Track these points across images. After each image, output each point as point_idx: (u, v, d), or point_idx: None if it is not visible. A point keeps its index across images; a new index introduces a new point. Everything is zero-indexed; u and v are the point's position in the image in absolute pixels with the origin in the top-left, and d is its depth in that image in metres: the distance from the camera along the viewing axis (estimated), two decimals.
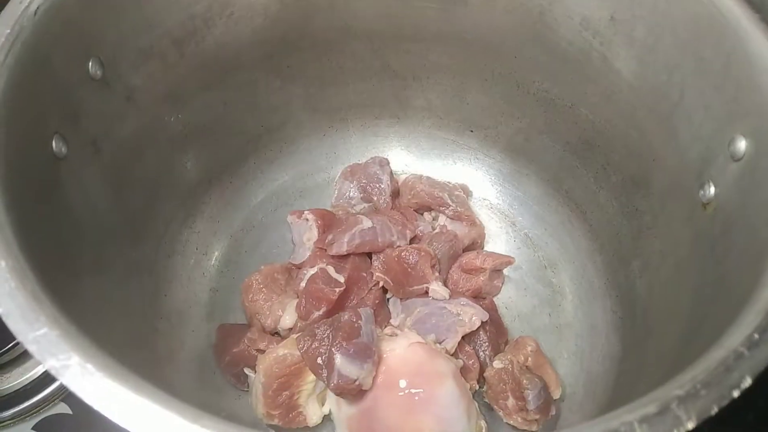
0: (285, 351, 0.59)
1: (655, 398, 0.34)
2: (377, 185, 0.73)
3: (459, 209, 0.71)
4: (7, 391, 0.66)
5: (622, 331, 0.64)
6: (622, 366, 0.61)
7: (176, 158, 0.66)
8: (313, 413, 0.61)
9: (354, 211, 0.72)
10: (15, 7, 0.47)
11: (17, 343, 0.65)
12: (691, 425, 0.33)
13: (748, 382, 0.35)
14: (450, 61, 0.69)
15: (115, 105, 0.56)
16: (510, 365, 0.61)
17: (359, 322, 0.57)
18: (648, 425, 0.33)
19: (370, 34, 0.67)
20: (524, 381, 0.60)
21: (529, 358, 0.62)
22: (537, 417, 0.60)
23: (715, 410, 0.34)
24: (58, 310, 0.37)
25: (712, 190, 0.49)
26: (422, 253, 0.66)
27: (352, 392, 0.56)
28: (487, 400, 0.63)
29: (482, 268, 0.67)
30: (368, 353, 0.56)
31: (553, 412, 0.61)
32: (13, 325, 0.35)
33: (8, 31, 0.46)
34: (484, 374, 0.62)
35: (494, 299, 0.69)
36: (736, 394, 0.34)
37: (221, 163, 0.72)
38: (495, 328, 0.65)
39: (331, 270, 0.65)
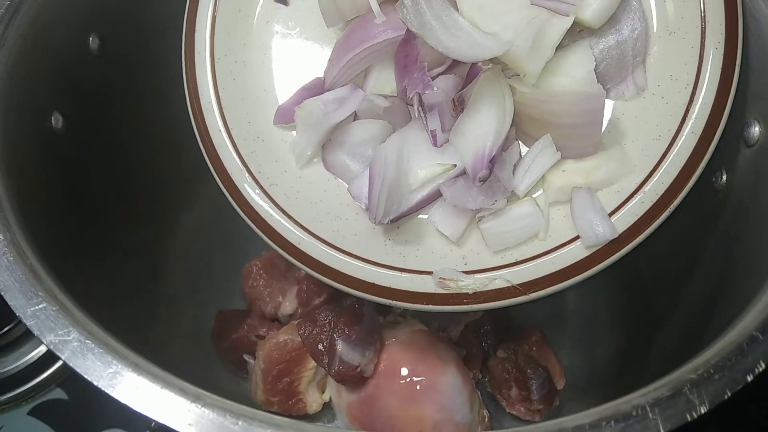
0: (285, 337, 0.58)
1: (668, 382, 0.33)
2: None
3: None
4: (2, 375, 0.65)
5: (627, 322, 0.63)
6: (627, 356, 0.61)
7: (177, 140, 0.65)
8: (313, 400, 0.60)
9: None
10: None
11: (12, 327, 0.64)
12: (704, 409, 0.32)
13: (762, 366, 0.34)
14: None
15: (116, 82, 0.55)
16: (513, 355, 0.60)
17: (361, 308, 0.56)
18: (660, 409, 0.32)
19: None
20: (528, 371, 0.59)
21: (534, 348, 0.62)
22: (540, 407, 0.59)
23: (728, 395, 0.33)
24: (56, 285, 0.36)
25: (724, 176, 0.48)
26: None
27: (353, 379, 0.55)
28: (489, 390, 0.62)
29: None
30: (370, 340, 0.55)
31: (557, 403, 0.60)
32: (12, 300, 0.35)
33: (8, 2, 0.45)
34: (488, 363, 0.61)
35: None
36: (749, 378, 0.33)
37: None
38: (499, 317, 0.64)
39: None
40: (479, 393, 0.59)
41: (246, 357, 0.62)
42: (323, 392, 0.61)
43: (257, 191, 0.46)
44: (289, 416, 0.60)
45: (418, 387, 0.55)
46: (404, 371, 0.55)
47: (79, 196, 0.49)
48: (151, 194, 0.63)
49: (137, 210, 0.60)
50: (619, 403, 0.33)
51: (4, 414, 0.64)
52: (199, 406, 0.31)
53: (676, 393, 0.32)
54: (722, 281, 0.46)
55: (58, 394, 0.65)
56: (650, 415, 0.32)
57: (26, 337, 0.65)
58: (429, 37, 0.39)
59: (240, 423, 0.31)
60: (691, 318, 0.50)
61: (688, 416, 0.32)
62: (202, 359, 0.64)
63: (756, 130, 0.45)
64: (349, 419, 0.58)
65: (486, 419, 0.58)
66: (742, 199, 0.46)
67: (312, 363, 0.58)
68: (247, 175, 0.47)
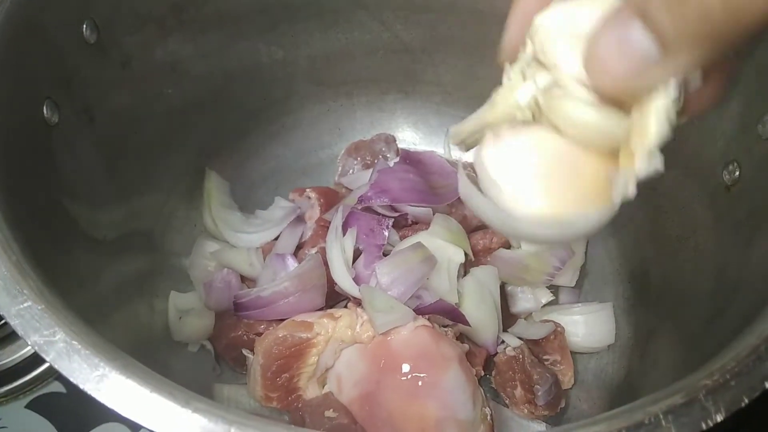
0: (284, 332, 0.57)
1: (682, 388, 0.32)
2: (383, 163, 0.71)
3: None
4: (0, 368, 0.64)
5: (634, 318, 0.62)
6: (633, 353, 0.60)
7: (174, 131, 0.64)
8: (313, 396, 0.59)
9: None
10: None
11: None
12: (720, 417, 0.31)
13: None
14: (461, 34, 0.66)
15: (110, 72, 0.54)
16: (521, 355, 0.59)
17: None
18: (674, 417, 0.30)
19: (379, 3, 0.65)
20: (535, 376, 0.58)
21: (554, 338, 0.60)
22: (545, 413, 0.58)
23: (745, 402, 0.31)
24: (44, 283, 0.35)
25: (738, 171, 0.46)
26: None
27: None
28: (494, 386, 0.61)
29: (490, 248, 0.65)
30: None
31: (563, 405, 0.59)
32: None
33: None
34: (495, 359, 0.60)
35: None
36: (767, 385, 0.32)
37: (221, 138, 0.70)
38: (503, 312, 0.63)
39: None
40: (482, 390, 0.58)
41: (245, 352, 0.61)
42: (323, 388, 0.60)
43: None
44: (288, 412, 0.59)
45: (420, 383, 0.54)
46: (406, 368, 0.54)
47: (70, 190, 0.48)
48: (148, 187, 0.61)
49: (134, 203, 0.59)
50: (631, 409, 0.31)
51: (1, 407, 0.64)
52: (190, 412, 0.30)
53: (691, 400, 0.31)
54: (738, 278, 0.45)
55: (56, 387, 0.64)
56: (663, 423, 0.30)
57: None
58: None
59: (232, 430, 0.29)
60: (704, 315, 0.48)
61: (703, 424, 0.30)
62: (202, 355, 0.63)
63: None
64: None
65: (489, 417, 0.57)
66: (755, 194, 0.45)
67: (312, 358, 0.57)
68: None
